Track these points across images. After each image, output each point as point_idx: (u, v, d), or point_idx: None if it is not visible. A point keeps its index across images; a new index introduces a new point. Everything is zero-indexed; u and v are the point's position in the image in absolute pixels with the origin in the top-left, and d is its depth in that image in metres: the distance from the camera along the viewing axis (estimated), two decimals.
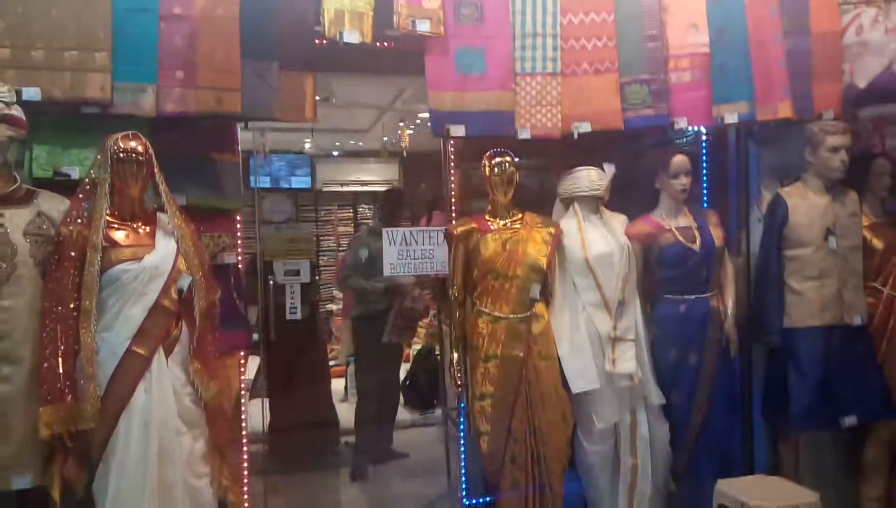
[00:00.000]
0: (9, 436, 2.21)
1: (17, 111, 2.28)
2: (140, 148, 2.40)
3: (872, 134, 3.46)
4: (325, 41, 2.78)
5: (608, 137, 3.11)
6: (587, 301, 2.99)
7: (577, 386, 2.92)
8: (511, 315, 2.89)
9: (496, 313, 2.90)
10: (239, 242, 3.00)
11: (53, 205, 2.38)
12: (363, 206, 9.51)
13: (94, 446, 2.31)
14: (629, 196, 3.23)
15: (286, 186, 8.68)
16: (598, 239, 3.02)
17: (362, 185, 9.29)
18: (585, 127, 3.00)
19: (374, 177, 9.30)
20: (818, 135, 3.06)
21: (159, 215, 2.54)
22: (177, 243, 2.48)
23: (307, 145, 8.20)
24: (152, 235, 2.48)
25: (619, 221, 3.11)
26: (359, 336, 4.62)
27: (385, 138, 8.04)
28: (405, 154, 7.85)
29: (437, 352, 5.17)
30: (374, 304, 4.37)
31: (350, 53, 2.90)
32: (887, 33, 3.07)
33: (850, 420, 3.06)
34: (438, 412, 5.32)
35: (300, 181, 8.94)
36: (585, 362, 2.93)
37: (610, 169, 3.09)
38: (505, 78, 2.95)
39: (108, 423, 2.29)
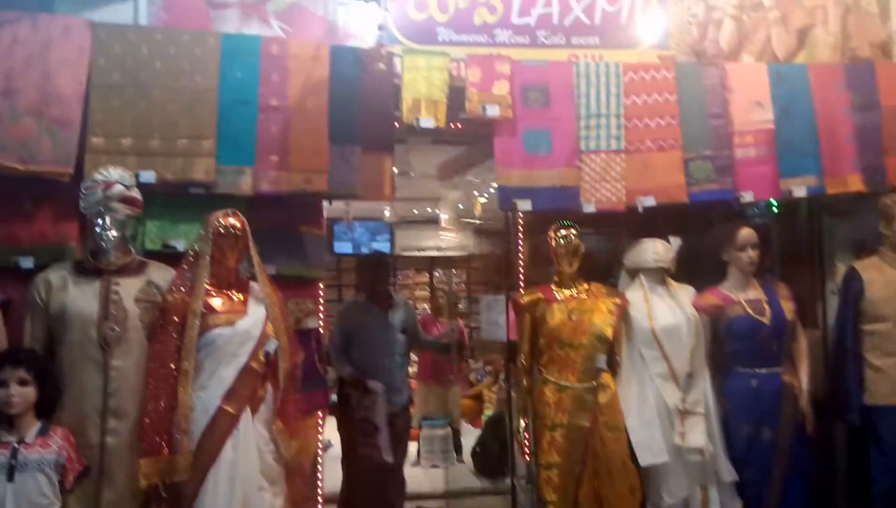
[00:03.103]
0: (113, 483, 2.43)
1: (135, 193, 2.61)
2: (238, 224, 2.68)
3: None
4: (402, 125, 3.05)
5: (675, 210, 3.19)
6: (655, 373, 3.01)
7: (645, 459, 2.92)
8: (577, 384, 2.95)
9: (562, 382, 2.96)
10: (321, 307, 3.23)
11: (161, 274, 2.67)
12: (439, 270, 9.78)
13: (185, 497, 2.49)
14: (697, 268, 3.26)
15: (366, 250, 9.09)
16: (664, 310, 3.06)
17: (438, 250, 9.60)
18: (650, 201, 3.10)
19: (450, 243, 9.59)
20: (892, 208, 3.03)
21: (252, 283, 2.79)
22: (266, 309, 2.71)
23: (387, 213, 8.59)
24: (245, 302, 2.72)
25: (686, 292, 3.14)
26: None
27: (460, 206, 8.33)
28: (479, 223, 8.09)
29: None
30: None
31: (426, 130, 3.16)
32: None
33: None
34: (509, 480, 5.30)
35: (380, 247, 9.34)
36: (653, 434, 2.93)
37: (675, 242, 3.15)
38: (570, 156, 3.11)
39: (199, 476, 2.48)
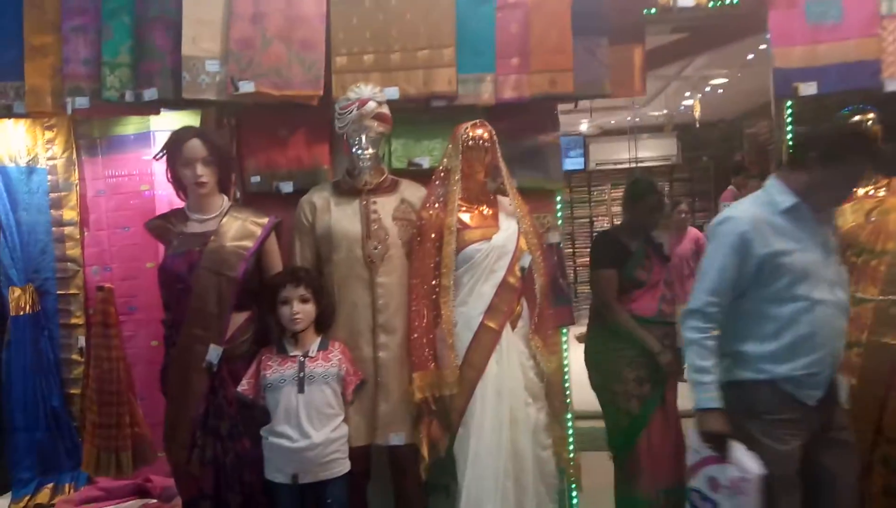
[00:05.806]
0: (388, 397, 2.49)
1: (385, 109, 2.56)
2: (486, 135, 2.54)
3: None
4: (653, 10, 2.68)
5: None
6: None
7: None
8: (880, 297, 2.52)
9: (859, 295, 2.55)
10: (560, 221, 3.05)
11: (413, 192, 2.63)
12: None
13: (454, 411, 2.50)
14: None
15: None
16: None
17: (636, 163, 8.99)
18: None
19: (650, 154, 8.94)
20: None
21: (499, 197, 2.67)
22: (517, 223, 2.59)
23: (583, 127, 8.16)
24: (495, 216, 2.62)
25: None
26: None
27: (664, 111, 7.68)
28: (692, 127, 7.41)
29: None
30: None
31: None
32: None
33: None
34: None
35: (573, 162, 8.96)
36: None
37: None
38: (867, 23, 2.57)
39: (467, 390, 2.47)
